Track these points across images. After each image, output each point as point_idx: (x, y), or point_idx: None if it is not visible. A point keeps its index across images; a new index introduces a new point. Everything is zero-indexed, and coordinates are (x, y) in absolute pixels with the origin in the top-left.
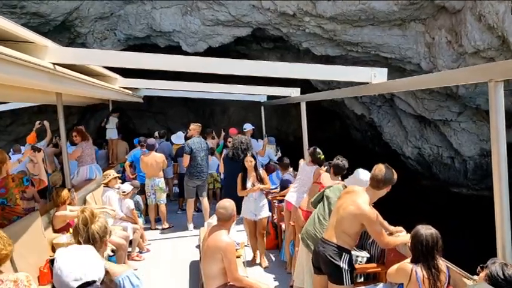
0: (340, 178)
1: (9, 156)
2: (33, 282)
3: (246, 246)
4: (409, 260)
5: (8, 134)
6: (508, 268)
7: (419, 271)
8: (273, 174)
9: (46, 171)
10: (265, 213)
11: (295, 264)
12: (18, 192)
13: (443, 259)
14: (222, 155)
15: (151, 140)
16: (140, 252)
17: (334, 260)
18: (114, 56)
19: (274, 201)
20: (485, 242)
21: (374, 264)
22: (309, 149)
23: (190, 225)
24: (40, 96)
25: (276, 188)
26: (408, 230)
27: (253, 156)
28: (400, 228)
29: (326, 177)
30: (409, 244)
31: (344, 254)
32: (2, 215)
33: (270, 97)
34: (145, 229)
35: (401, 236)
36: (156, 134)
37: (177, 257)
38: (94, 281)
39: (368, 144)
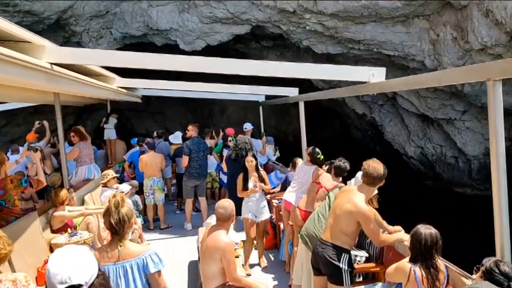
0: (341, 179)
1: (8, 157)
2: (31, 282)
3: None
4: (407, 259)
5: (3, 135)
6: (503, 263)
7: (418, 270)
8: (271, 174)
9: (45, 172)
10: (265, 215)
11: (293, 264)
12: (16, 193)
13: (442, 258)
14: (225, 156)
15: (149, 140)
16: None
17: (333, 261)
18: (114, 55)
19: (273, 201)
20: (487, 242)
21: (373, 264)
22: (307, 148)
23: (189, 225)
24: (38, 96)
25: (274, 188)
26: (409, 231)
27: (254, 156)
28: (399, 227)
29: (326, 178)
30: (408, 243)
31: (343, 254)
32: (0, 216)
33: (268, 97)
34: (144, 229)
35: (395, 234)
36: (155, 134)
37: (176, 257)
38: (80, 285)
39: (369, 144)
